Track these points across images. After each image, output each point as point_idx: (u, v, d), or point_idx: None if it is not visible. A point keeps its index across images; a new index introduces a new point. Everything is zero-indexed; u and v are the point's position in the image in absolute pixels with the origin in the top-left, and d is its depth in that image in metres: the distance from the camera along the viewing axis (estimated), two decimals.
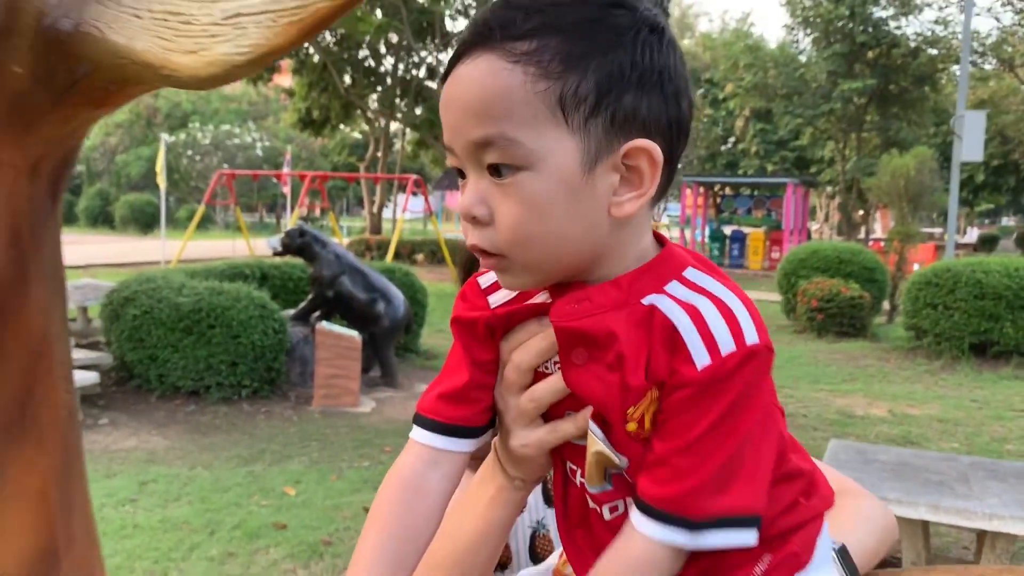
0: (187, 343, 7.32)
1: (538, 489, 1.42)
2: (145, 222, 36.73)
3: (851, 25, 29.97)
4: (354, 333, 7.76)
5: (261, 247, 17.40)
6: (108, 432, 6.53)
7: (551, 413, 0.87)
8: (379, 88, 27.59)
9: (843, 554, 1.04)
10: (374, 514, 0.87)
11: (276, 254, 8.61)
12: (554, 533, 1.37)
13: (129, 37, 0.51)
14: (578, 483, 0.87)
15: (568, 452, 0.88)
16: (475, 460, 0.95)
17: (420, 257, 23.36)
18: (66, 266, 0.65)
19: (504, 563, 1.36)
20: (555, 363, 0.85)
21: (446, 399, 0.88)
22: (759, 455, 0.77)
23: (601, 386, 0.79)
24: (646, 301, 0.78)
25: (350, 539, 4.62)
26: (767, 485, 0.78)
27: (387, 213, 35.29)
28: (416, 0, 22.94)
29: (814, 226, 38.21)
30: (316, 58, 25.68)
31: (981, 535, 3.70)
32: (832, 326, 12.37)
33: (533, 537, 1.39)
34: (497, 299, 0.88)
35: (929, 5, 33.44)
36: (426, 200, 20.42)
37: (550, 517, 1.37)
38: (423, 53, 25.60)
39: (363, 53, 26.17)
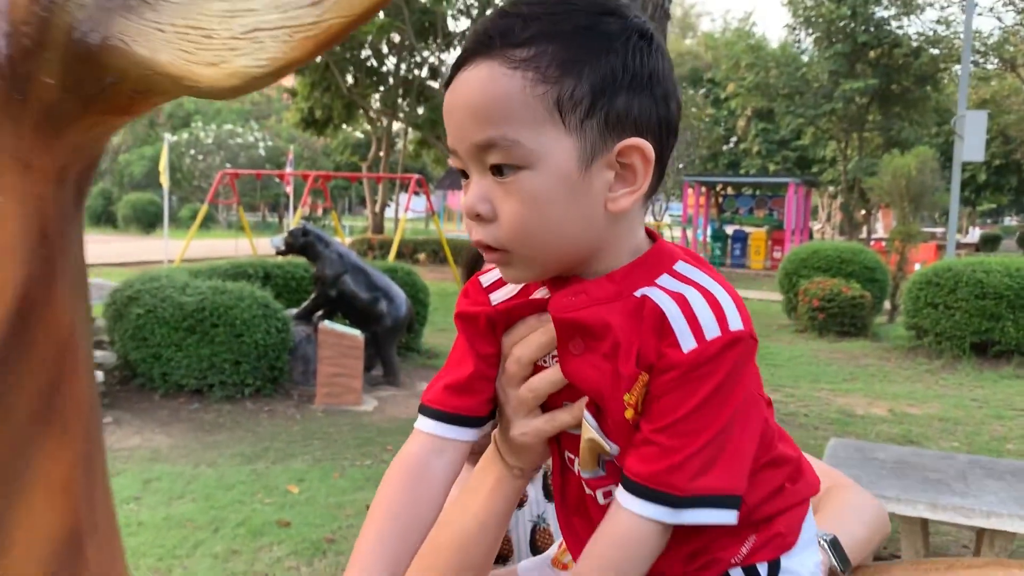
0: (191, 342, 7.35)
1: (539, 485, 1.45)
2: (148, 221, 36.78)
3: (853, 25, 29.95)
4: (356, 332, 7.79)
5: (264, 246, 17.45)
6: (112, 431, 6.57)
7: (549, 404, 0.92)
8: (381, 88, 27.62)
9: (835, 545, 1.07)
10: (379, 499, 0.91)
11: (279, 253, 8.65)
12: (554, 527, 1.40)
13: (153, 50, 0.55)
14: (576, 471, 0.91)
15: (566, 442, 0.92)
16: (474, 455, 0.99)
17: (422, 256, 23.40)
18: None
19: (505, 556, 1.38)
20: (553, 357, 0.89)
21: (451, 390, 0.92)
22: (742, 439, 0.81)
23: (597, 374, 0.83)
24: (638, 293, 0.82)
25: (353, 537, 4.65)
26: (748, 468, 0.82)
27: (389, 213, 35.35)
28: (418, 0, 22.96)
29: (816, 226, 38.20)
30: (319, 58, 25.71)
31: (980, 533, 3.72)
32: (833, 325, 12.39)
33: (534, 531, 1.42)
34: (498, 296, 0.93)
35: (931, 5, 33.46)
36: (428, 200, 20.44)
37: (550, 511, 1.41)
38: (425, 53, 25.63)
39: (365, 53, 26.19)
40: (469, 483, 1.01)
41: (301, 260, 8.98)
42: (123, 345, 7.56)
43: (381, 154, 31.12)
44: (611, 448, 0.85)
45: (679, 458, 0.78)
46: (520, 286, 0.92)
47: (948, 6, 31.97)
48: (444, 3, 23.15)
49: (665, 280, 0.83)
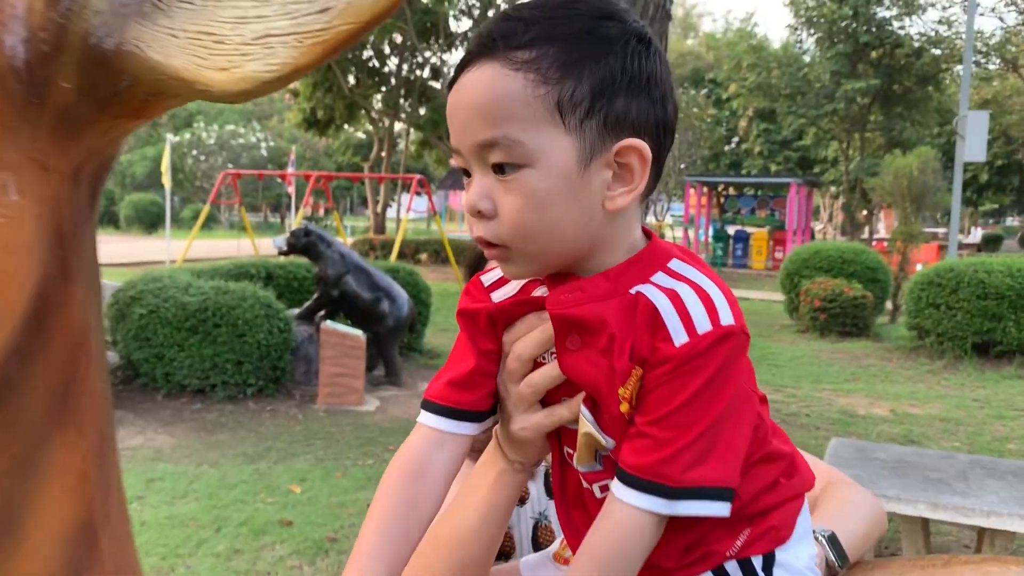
0: (193, 342, 7.36)
1: (540, 482, 1.47)
2: (150, 222, 36.83)
3: (854, 25, 29.95)
4: (358, 332, 7.80)
5: (266, 247, 17.47)
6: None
7: (548, 400, 0.94)
8: (383, 88, 27.63)
9: (833, 541, 1.09)
10: (382, 490, 0.93)
11: (281, 253, 8.66)
12: (556, 524, 1.41)
13: (166, 55, 0.57)
14: (575, 466, 0.93)
15: (565, 437, 0.94)
16: (474, 452, 1.01)
17: (424, 257, 23.41)
18: None
19: (508, 552, 1.40)
20: (552, 354, 0.91)
21: (452, 385, 0.95)
22: (735, 432, 0.83)
23: (593, 370, 0.85)
24: (633, 290, 0.84)
25: (355, 536, 4.60)
26: (741, 461, 0.84)
27: (391, 213, 35.36)
28: (420, 1, 22.98)
29: (818, 226, 38.19)
30: None
31: (981, 533, 3.72)
32: (835, 326, 12.39)
33: (536, 528, 1.43)
34: (499, 295, 0.95)
35: (933, 5, 33.49)
36: (430, 200, 20.46)
37: (552, 509, 1.43)
38: (427, 53, 25.63)
39: (367, 53, 26.20)
40: (470, 479, 1.03)
41: (303, 260, 9.00)
42: (126, 345, 7.57)
43: (383, 154, 31.14)
44: (607, 442, 0.87)
45: (672, 450, 0.80)
46: (520, 285, 0.94)
47: (950, 6, 31.97)
48: (446, 3, 23.17)
49: (659, 277, 0.85)
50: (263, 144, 41.36)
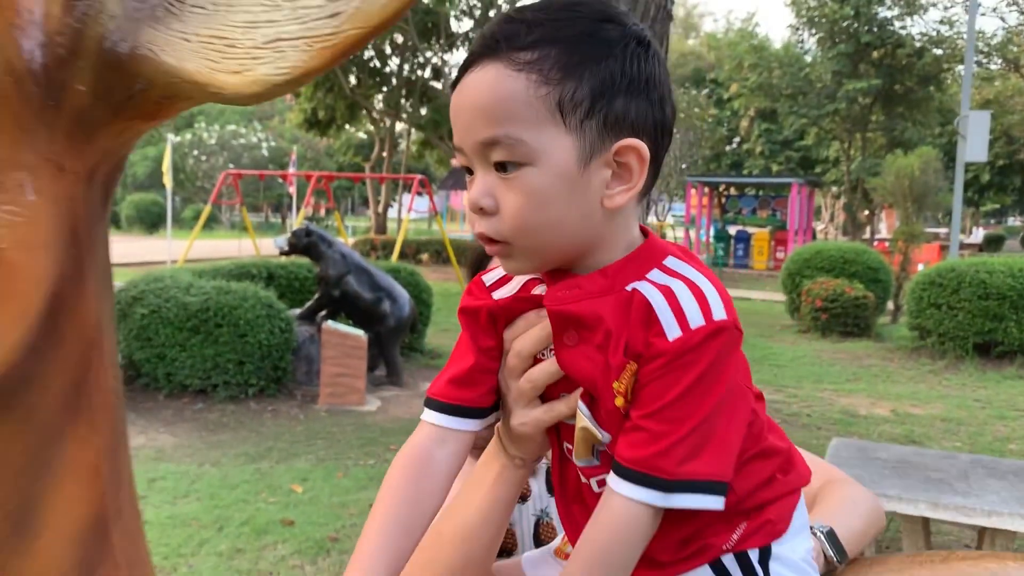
0: (195, 342, 7.37)
1: (542, 480, 1.48)
2: (151, 222, 36.87)
3: (856, 25, 29.95)
4: (360, 332, 7.81)
5: (267, 247, 17.49)
6: None
7: (548, 396, 0.95)
8: (384, 88, 27.66)
9: (831, 536, 1.10)
10: (385, 488, 0.95)
11: (283, 254, 8.67)
12: (556, 521, 1.43)
13: (180, 58, 0.58)
14: (573, 461, 0.95)
15: (565, 433, 0.96)
16: (476, 450, 1.02)
17: (425, 257, 23.42)
18: None
19: (510, 549, 1.41)
20: (551, 350, 0.93)
21: (454, 383, 0.97)
22: (729, 427, 0.84)
23: (590, 365, 0.87)
24: (629, 287, 0.86)
25: (357, 536, 4.61)
26: (735, 455, 0.85)
27: (392, 213, 35.37)
28: (421, 1, 23.00)
29: (819, 226, 38.18)
30: None
31: (981, 532, 3.73)
32: (836, 326, 12.40)
33: (537, 524, 1.45)
34: (499, 293, 0.97)
35: (934, 5, 33.49)
36: (431, 200, 20.47)
37: (553, 506, 1.44)
38: (428, 54, 25.65)
39: (368, 53, 26.22)
40: (472, 476, 1.04)
41: (305, 260, 9.01)
42: (127, 345, 7.59)
43: (384, 154, 31.16)
44: (603, 436, 0.89)
45: (667, 443, 0.81)
46: (520, 284, 0.95)
47: (951, 6, 31.98)
48: (447, 4, 23.19)
49: (655, 274, 0.87)
50: (264, 144, 41.39)
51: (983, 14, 36.42)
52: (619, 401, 0.85)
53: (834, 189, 37.23)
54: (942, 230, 32.16)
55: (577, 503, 0.97)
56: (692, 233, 26.92)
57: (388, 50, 26.56)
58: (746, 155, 38.98)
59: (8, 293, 0.56)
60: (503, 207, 0.85)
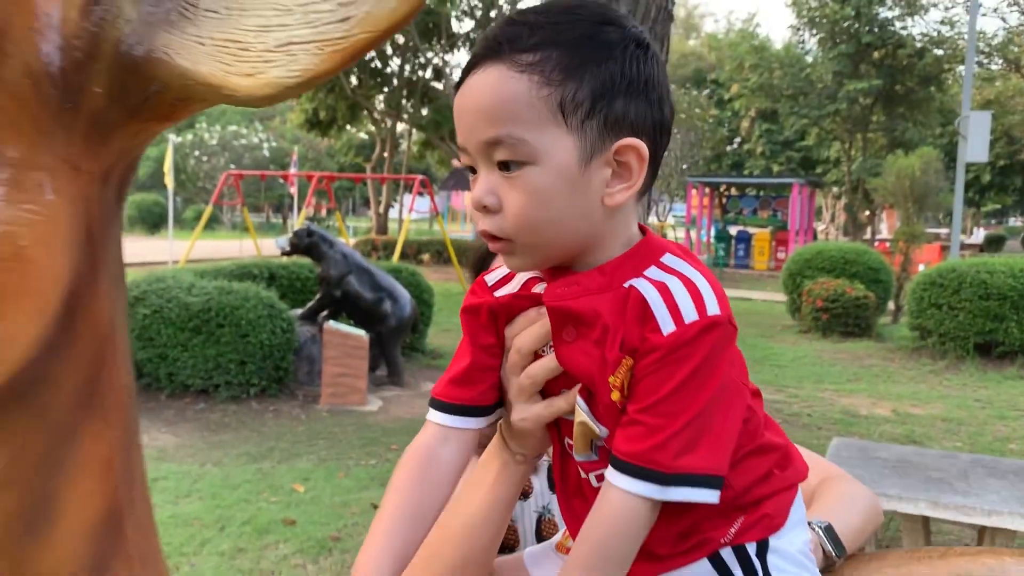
0: (196, 342, 7.39)
1: (543, 477, 1.49)
2: (152, 222, 36.88)
3: (857, 25, 29.97)
4: (361, 332, 7.82)
5: (268, 247, 17.50)
6: None
7: (548, 392, 0.97)
8: (385, 89, 27.69)
9: (829, 532, 1.12)
10: (392, 483, 0.98)
11: (284, 254, 8.68)
12: (559, 517, 1.44)
13: (194, 61, 0.60)
14: (573, 456, 0.97)
15: (565, 429, 0.98)
16: (480, 448, 1.04)
17: (426, 257, 23.43)
18: None
19: (512, 546, 1.42)
20: (550, 347, 0.95)
21: (453, 383, 0.99)
22: (724, 421, 0.86)
23: (588, 360, 0.89)
24: (626, 284, 0.88)
25: (358, 535, 4.69)
26: (730, 450, 0.87)
27: (393, 213, 35.39)
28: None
29: (820, 226, 38.20)
30: None
31: (981, 531, 3.74)
32: (837, 326, 12.40)
33: (539, 521, 1.46)
34: (501, 292, 0.99)
35: (935, 5, 33.48)
36: (432, 200, 20.48)
37: (555, 503, 1.45)
38: (429, 54, 25.66)
39: (369, 54, 26.21)
40: (474, 472, 1.06)
41: (306, 261, 9.02)
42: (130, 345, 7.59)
43: (385, 155, 31.18)
44: (600, 430, 0.90)
45: (663, 437, 0.83)
46: (521, 283, 0.97)
47: (952, 7, 31.96)
48: (448, 4, 23.21)
49: (652, 271, 0.89)
50: (265, 145, 41.41)
51: (984, 14, 36.44)
52: (615, 395, 0.87)
53: (835, 189, 37.25)
54: (943, 230, 32.15)
55: (577, 498, 0.99)
56: (693, 233, 26.93)
57: (389, 51, 26.57)
58: (747, 155, 39.00)
59: (27, 290, 0.57)
60: (506, 205, 0.87)
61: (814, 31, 32.21)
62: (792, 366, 10.33)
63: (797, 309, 13.31)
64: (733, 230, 28.00)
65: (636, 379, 0.86)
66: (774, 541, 0.94)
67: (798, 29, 33.43)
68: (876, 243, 26.93)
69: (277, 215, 49.99)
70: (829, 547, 1.12)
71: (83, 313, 0.65)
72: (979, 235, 39.38)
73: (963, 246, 24.40)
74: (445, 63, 25.77)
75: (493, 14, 23.67)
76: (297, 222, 16.87)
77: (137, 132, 0.65)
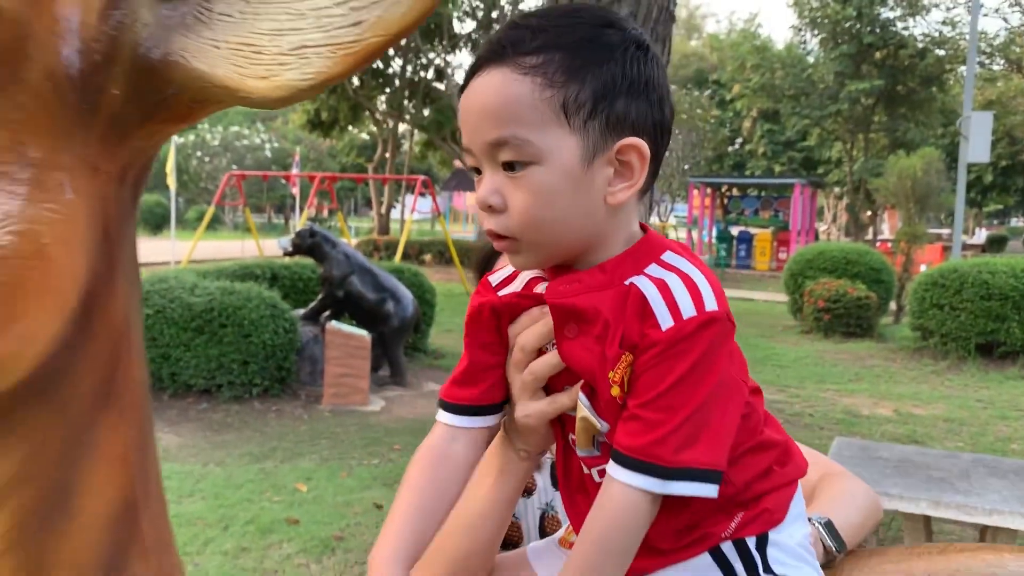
0: (199, 342, 7.40)
1: (547, 474, 1.51)
2: (155, 223, 36.90)
3: (858, 26, 29.96)
4: (363, 332, 7.83)
5: (270, 247, 17.53)
6: None
7: (552, 389, 0.99)
8: (387, 89, 27.69)
9: (829, 527, 1.13)
10: (405, 479, 1.00)
11: (287, 254, 8.70)
12: (562, 514, 1.46)
13: (210, 64, 0.61)
14: (576, 452, 0.99)
15: (569, 425, 0.99)
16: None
17: (428, 257, 23.44)
18: None
19: (516, 542, 1.44)
20: (553, 345, 0.96)
21: (456, 383, 1.02)
22: (723, 416, 0.88)
23: (588, 356, 0.90)
24: (627, 282, 0.89)
25: (362, 534, 4.70)
26: (729, 445, 0.89)
27: (395, 214, 35.41)
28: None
29: (821, 227, 38.18)
30: None
31: (983, 531, 3.75)
32: (839, 326, 12.41)
33: (543, 518, 1.48)
34: (504, 292, 1.01)
35: (936, 6, 33.46)
36: (434, 201, 20.49)
37: (558, 499, 1.47)
38: (431, 55, 25.68)
39: None
40: (477, 468, 1.07)
41: (308, 261, 9.03)
42: None
43: (387, 155, 31.21)
44: (601, 426, 0.92)
45: (663, 431, 0.85)
46: (524, 283, 0.99)
47: (954, 7, 32.00)
48: (450, 5, 23.22)
49: (652, 268, 0.91)
50: (267, 145, 41.45)
51: (985, 15, 36.43)
52: (615, 391, 0.89)
53: (836, 190, 37.22)
54: (944, 231, 32.13)
55: (580, 493, 1.00)
56: (695, 234, 26.93)
57: (391, 51, 26.58)
58: (748, 156, 38.99)
59: (48, 288, 0.59)
60: (511, 204, 0.88)
61: (816, 31, 32.21)
62: (794, 366, 10.33)
63: (799, 309, 13.31)
64: (735, 230, 28.00)
65: (636, 374, 0.87)
66: (774, 535, 0.96)
67: (800, 29, 33.44)
68: (878, 243, 26.92)
69: (279, 216, 50.04)
70: (829, 542, 1.13)
71: (100, 311, 0.67)
72: (981, 235, 39.32)
73: (965, 246, 24.40)
74: (447, 64, 25.78)
75: (495, 15, 23.68)
76: (299, 223, 16.89)
77: (153, 133, 0.67)
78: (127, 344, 0.71)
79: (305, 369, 8.12)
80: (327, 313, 8.40)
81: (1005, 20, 39.86)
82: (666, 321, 0.86)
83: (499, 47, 0.89)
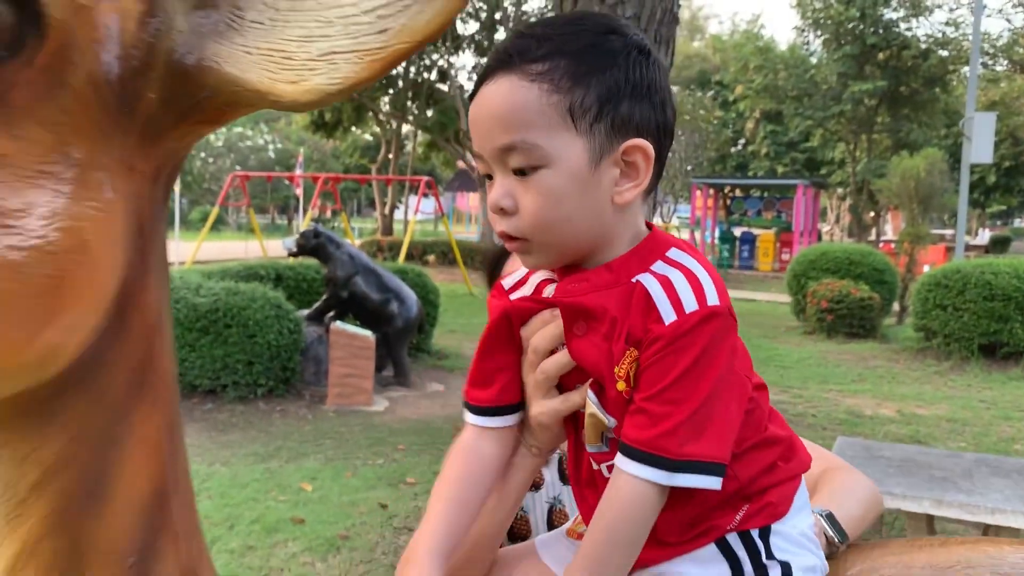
0: (204, 343, 7.42)
1: (554, 469, 1.54)
2: None
3: (861, 27, 29.94)
4: (368, 333, 7.85)
5: (273, 248, 17.56)
6: None
7: (564, 388, 1.02)
8: (390, 90, 27.72)
9: (831, 519, 1.16)
10: (441, 474, 1.04)
11: (291, 255, 8.72)
12: (569, 508, 1.49)
13: (241, 70, 0.64)
14: (586, 448, 1.02)
15: (581, 423, 1.02)
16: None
17: (431, 258, 23.46)
18: None
19: (524, 535, 1.47)
20: (563, 346, 0.99)
21: (473, 385, 1.06)
22: (726, 410, 0.90)
23: (596, 352, 0.93)
24: (633, 279, 0.92)
25: (367, 534, 4.73)
26: (733, 439, 0.92)
27: (399, 214, 35.45)
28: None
29: (824, 228, 38.16)
30: None
31: (985, 530, 3.76)
32: (842, 327, 12.41)
33: (550, 511, 1.50)
34: (516, 295, 1.05)
35: (940, 6, 33.43)
36: (437, 201, 20.53)
37: (566, 493, 1.51)
38: (434, 56, 25.72)
39: None
40: None
41: (313, 261, 9.06)
42: None
43: (390, 156, 31.25)
44: (608, 421, 0.95)
45: (669, 425, 0.87)
46: (534, 285, 1.02)
47: (957, 8, 31.99)
48: None
49: (657, 265, 0.94)
50: (271, 146, 41.53)
51: (989, 15, 36.40)
52: (620, 385, 0.91)
53: (839, 191, 37.21)
54: (948, 232, 32.12)
55: (590, 488, 1.03)
56: (697, 235, 26.94)
57: None
58: (751, 157, 38.98)
59: (90, 282, 0.62)
60: (522, 207, 0.91)
61: (819, 32, 32.19)
62: (797, 367, 10.34)
63: (801, 310, 13.31)
64: (737, 231, 28.00)
65: (641, 369, 0.90)
66: (777, 526, 0.99)
67: (803, 30, 33.42)
68: (881, 244, 26.90)
69: (282, 216, 50.10)
70: (832, 533, 1.16)
71: (134, 304, 0.70)
72: (984, 236, 39.26)
73: (968, 247, 24.37)
74: (450, 65, 25.82)
75: (498, 16, 23.71)
76: (303, 223, 16.92)
77: (186, 134, 0.70)
78: (159, 337, 0.74)
79: (309, 369, 8.15)
80: (331, 314, 8.42)
81: (1008, 21, 39.92)
82: (669, 316, 0.89)
83: (506, 55, 0.92)
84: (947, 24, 31.80)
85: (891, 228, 37.23)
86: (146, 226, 0.69)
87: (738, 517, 0.96)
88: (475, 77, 0.97)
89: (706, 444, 0.88)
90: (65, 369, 0.65)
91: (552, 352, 1.00)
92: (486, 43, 24.86)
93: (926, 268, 14.03)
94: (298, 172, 23.29)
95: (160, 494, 0.75)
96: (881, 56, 30.40)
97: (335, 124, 28.88)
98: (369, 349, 7.73)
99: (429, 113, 27.51)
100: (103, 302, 0.64)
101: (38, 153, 0.59)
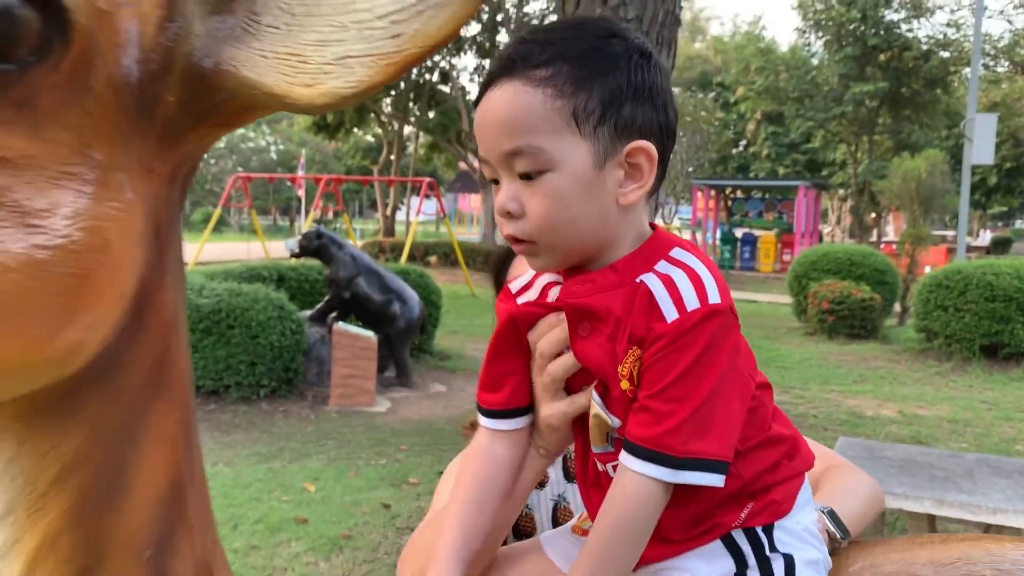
0: (207, 343, 7.43)
1: (559, 467, 1.55)
2: None
3: (863, 28, 29.94)
4: (370, 334, 7.87)
5: (275, 249, 17.58)
6: None
7: (572, 390, 1.03)
8: (392, 92, 27.75)
9: (832, 515, 1.17)
10: (458, 476, 1.07)
11: (293, 256, 8.74)
12: (574, 505, 1.50)
13: (258, 73, 0.66)
14: (592, 449, 1.03)
15: (586, 423, 1.03)
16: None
17: (433, 259, 23.49)
18: None
19: (529, 533, 1.48)
20: (569, 349, 1.00)
21: (483, 388, 1.07)
22: (730, 408, 0.92)
23: (600, 353, 0.95)
24: (638, 279, 0.94)
25: (369, 534, 4.74)
26: (735, 437, 0.93)
27: (400, 215, 35.47)
28: None
29: (826, 229, 38.15)
30: None
31: (987, 530, 3.77)
32: (843, 328, 12.42)
33: (555, 509, 1.52)
34: (522, 299, 1.06)
35: (941, 8, 33.41)
36: (439, 202, 20.55)
37: (570, 491, 1.52)
38: (436, 57, 25.72)
39: None
40: None
41: (315, 263, 9.08)
42: None
43: (392, 157, 31.27)
44: (612, 421, 0.96)
45: (673, 423, 0.89)
46: (540, 289, 1.04)
47: (958, 9, 31.97)
48: None
49: (660, 265, 0.95)
50: (273, 148, 41.57)
51: (990, 17, 36.40)
52: (624, 384, 0.93)
53: (841, 192, 37.20)
54: (949, 233, 32.09)
55: (596, 488, 1.04)
56: (699, 236, 26.94)
57: None
58: (752, 158, 38.97)
59: (111, 280, 0.63)
60: (528, 210, 0.92)
61: (820, 34, 32.19)
62: (798, 368, 10.35)
63: (803, 311, 13.32)
64: (739, 232, 28.01)
65: (644, 367, 0.91)
66: (781, 522, 1.01)
67: (804, 32, 33.42)
68: (882, 245, 26.91)
69: (284, 217, 50.16)
70: (833, 529, 1.17)
71: (152, 303, 0.71)
72: (985, 237, 39.24)
73: (969, 248, 24.36)
74: (452, 67, 25.84)
75: (499, 17, 23.73)
76: (305, 224, 16.94)
77: (203, 136, 0.72)
78: (175, 336, 0.76)
79: (312, 370, 8.16)
80: (334, 314, 8.43)
81: (1010, 22, 39.95)
82: (671, 314, 0.90)
83: (510, 62, 0.93)
84: (948, 25, 31.80)
85: (892, 229, 37.22)
86: (163, 227, 0.71)
87: (742, 515, 0.98)
88: (477, 79, 0.98)
89: (709, 442, 0.89)
90: (84, 367, 0.66)
91: (559, 355, 1.01)
92: (488, 45, 24.89)
93: (927, 269, 14.03)
94: (300, 173, 23.31)
95: (177, 488, 0.76)
96: (882, 57, 30.41)
97: (337, 125, 28.91)
98: (371, 350, 7.74)
99: (431, 114, 27.54)
100: (123, 301, 0.65)
101: (62, 155, 0.61)
